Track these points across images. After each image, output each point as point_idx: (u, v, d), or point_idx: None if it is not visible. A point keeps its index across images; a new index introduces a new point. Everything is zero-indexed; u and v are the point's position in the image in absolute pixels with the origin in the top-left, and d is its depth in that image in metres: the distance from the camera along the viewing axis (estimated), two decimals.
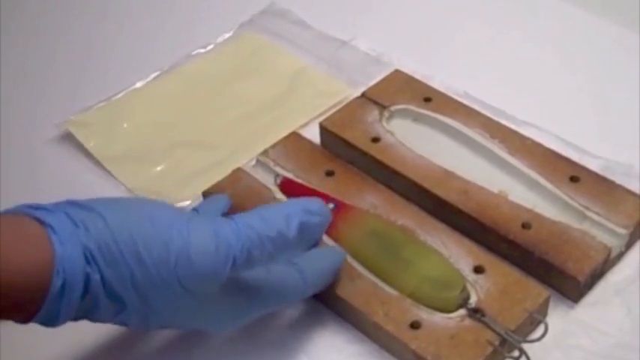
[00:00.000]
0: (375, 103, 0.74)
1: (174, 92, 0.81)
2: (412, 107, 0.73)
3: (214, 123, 0.78)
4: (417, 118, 0.73)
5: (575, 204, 0.65)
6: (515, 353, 0.57)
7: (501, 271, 0.61)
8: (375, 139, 0.71)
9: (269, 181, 0.69)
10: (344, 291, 0.61)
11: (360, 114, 0.73)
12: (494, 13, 0.88)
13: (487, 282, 0.60)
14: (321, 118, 0.74)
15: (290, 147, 0.71)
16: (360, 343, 0.61)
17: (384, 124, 0.72)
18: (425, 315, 0.59)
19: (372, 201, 0.66)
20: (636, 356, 0.58)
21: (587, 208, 0.64)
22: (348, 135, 0.71)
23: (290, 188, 0.68)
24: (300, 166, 0.70)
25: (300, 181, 0.68)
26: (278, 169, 0.69)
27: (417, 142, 0.71)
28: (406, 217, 0.65)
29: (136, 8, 0.92)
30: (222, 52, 0.85)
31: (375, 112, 0.73)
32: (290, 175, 0.69)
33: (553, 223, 0.63)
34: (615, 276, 0.63)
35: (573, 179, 0.66)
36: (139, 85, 0.82)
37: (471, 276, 0.60)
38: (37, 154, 0.76)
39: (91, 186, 0.73)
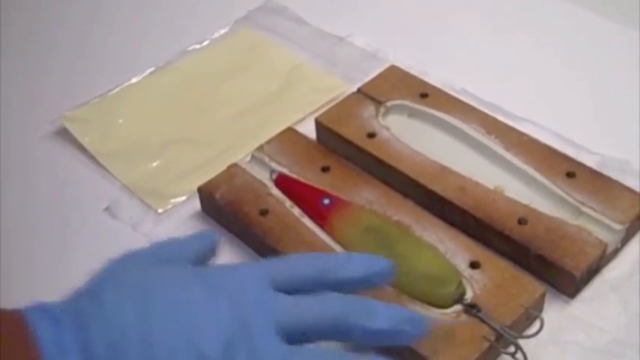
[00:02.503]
0: (371, 98, 0.74)
1: (169, 88, 0.81)
2: (408, 103, 0.73)
3: (210, 119, 0.78)
4: (413, 114, 0.73)
5: (571, 199, 0.65)
6: (511, 349, 0.57)
7: (497, 267, 0.61)
8: (371, 135, 0.71)
9: (264, 177, 0.68)
10: None
11: (356, 110, 0.73)
12: (491, 10, 0.88)
13: (483, 277, 0.60)
14: (317, 114, 0.74)
15: (286, 142, 0.71)
16: None
17: (380, 119, 0.72)
18: (421, 310, 0.58)
19: (368, 197, 0.66)
20: (632, 352, 0.58)
21: (583, 203, 0.64)
22: (343, 130, 0.71)
23: (285, 184, 0.68)
24: (296, 161, 0.69)
25: (295, 176, 0.68)
26: (273, 165, 0.69)
27: (413, 138, 0.71)
28: (402, 212, 0.65)
29: (131, 3, 0.91)
30: (217, 48, 0.85)
31: (370, 108, 0.73)
32: (285, 171, 0.69)
33: (549, 218, 0.63)
34: (611, 272, 0.63)
35: (569, 175, 0.66)
36: (134, 80, 0.81)
37: (466, 271, 0.60)
38: (32, 150, 0.76)
39: (86, 182, 0.73)
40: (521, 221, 0.63)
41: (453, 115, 0.72)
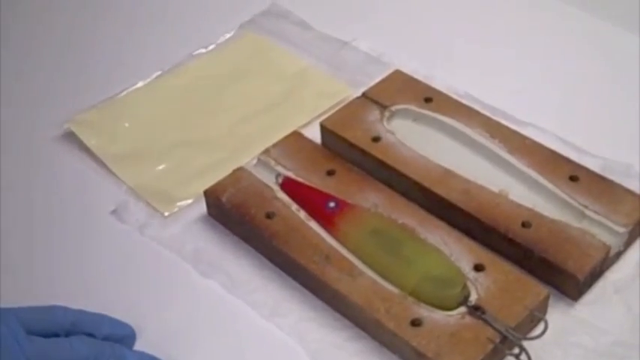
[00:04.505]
0: (376, 102, 0.74)
1: (175, 91, 0.81)
2: (413, 107, 0.74)
3: (216, 122, 0.78)
4: (418, 118, 0.74)
5: (574, 203, 0.65)
6: (516, 350, 0.57)
7: (501, 269, 0.61)
8: (376, 139, 0.71)
9: (270, 181, 0.69)
10: (345, 288, 0.61)
11: (361, 114, 0.73)
12: (494, 14, 0.88)
13: (487, 280, 0.60)
14: (322, 118, 0.74)
15: (291, 146, 0.72)
16: (361, 340, 0.61)
17: (385, 123, 0.73)
18: (426, 312, 0.59)
19: (373, 200, 0.66)
20: (635, 354, 0.59)
21: (586, 207, 0.65)
22: (348, 134, 0.72)
23: (291, 187, 0.68)
24: (302, 165, 0.70)
25: (301, 180, 0.69)
26: (279, 169, 0.70)
27: (418, 142, 0.71)
28: (407, 215, 0.65)
29: (138, 8, 0.92)
30: (223, 52, 0.86)
31: (375, 112, 0.73)
32: (291, 175, 0.69)
33: (553, 221, 0.64)
34: (615, 274, 0.64)
35: (573, 178, 0.67)
36: (140, 84, 0.82)
37: (471, 274, 0.61)
38: (39, 153, 0.76)
39: (92, 185, 0.73)
40: (525, 224, 0.64)
41: (457, 119, 0.72)
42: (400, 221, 0.65)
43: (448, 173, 0.68)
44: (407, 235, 0.64)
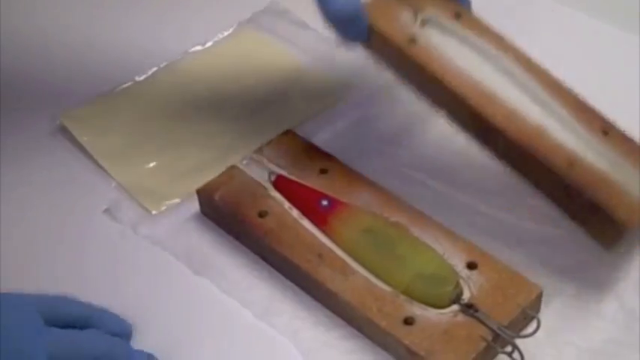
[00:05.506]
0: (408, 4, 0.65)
1: (170, 89, 0.81)
2: (443, 20, 0.65)
3: (210, 120, 0.78)
4: (449, 32, 0.65)
5: (611, 155, 0.61)
6: (508, 348, 0.57)
7: (494, 267, 0.61)
8: (412, 41, 0.63)
9: (263, 179, 0.68)
10: (338, 287, 0.61)
11: (394, 11, 0.64)
12: (490, 14, 0.88)
13: (480, 278, 0.60)
14: (317, 119, 0.74)
15: (284, 145, 0.71)
16: (354, 339, 0.61)
17: (418, 28, 0.64)
18: (418, 311, 0.59)
19: (366, 198, 0.66)
20: (629, 351, 0.58)
21: (618, 163, 0.61)
22: (387, 28, 0.62)
23: (284, 186, 0.68)
24: (295, 163, 0.69)
25: (294, 178, 0.68)
26: (272, 167, 0.69)
27: (453, 56, 0.63)
28: (399, 213, 0.65)
29: (135, 3, 0.92)
30: (220, 49, 0.85)
31: (408, 14, 0.64)
32: (284, 173, 0.69)
33: (596, 166, 0.60)
34: (609, 270, 0.63)
35: (605, 132, 0.62)
36: (135, 80, 0.81)
37: (464, 272, 0.60)
38: (30, 148, 0.76)
39: (83, 181, 0.73)
40: (571, 163, 0.60)
41: (491, 45, 0.65)
42: (393, 219, 0.64)
43: (490, 95, 0.61)
44: (399, 233, 0.63)
